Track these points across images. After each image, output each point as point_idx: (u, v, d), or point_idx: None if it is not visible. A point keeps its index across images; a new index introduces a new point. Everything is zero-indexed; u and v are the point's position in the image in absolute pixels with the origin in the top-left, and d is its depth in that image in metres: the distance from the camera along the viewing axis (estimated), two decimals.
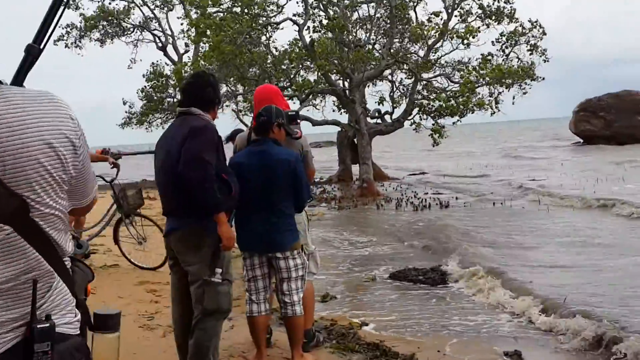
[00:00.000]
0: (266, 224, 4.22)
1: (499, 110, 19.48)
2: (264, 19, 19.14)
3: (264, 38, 20.59)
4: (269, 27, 19.88)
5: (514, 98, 19.99)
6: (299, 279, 4.32)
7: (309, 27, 19.02)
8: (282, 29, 21.14)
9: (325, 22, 18.95)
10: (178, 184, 3.62)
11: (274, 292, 4.57)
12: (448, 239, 10.09)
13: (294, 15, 19.85)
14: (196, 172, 3.53)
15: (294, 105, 20.88)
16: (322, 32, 19.31)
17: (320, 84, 19.28)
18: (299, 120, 4.85)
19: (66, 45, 27.49)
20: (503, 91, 19.25)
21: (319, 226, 11.83)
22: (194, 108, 3.77)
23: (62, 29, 27.33)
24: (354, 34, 20.18)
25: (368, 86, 21.99)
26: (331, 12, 19.10)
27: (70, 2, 27.20)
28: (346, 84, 20.33)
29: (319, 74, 18.67)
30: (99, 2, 27.35)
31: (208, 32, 17.66)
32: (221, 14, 18.62)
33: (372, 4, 20.49)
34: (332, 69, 18.28)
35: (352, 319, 5.74)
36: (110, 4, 27.71)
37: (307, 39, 18.50)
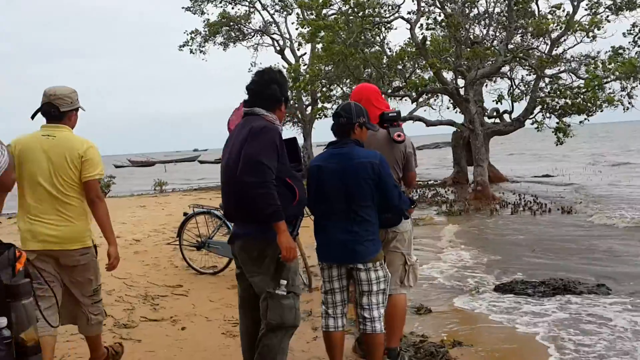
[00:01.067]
0: (346, 233, 3.93)
1: (632, 106, 17.89)
2: (377, 18, 18.78)
3: (378, 38, 20.27)
4: (382, 27, 19.49)
5: None
6: (380, 293, 4.00)
7: (421, 25, 18.47)
8: (395, 28, 20.72)
9: (439, 18, 18.31)
10: (237, 189, 3.40)
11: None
12: (561, 248, 9.30)
13: (408, 13, 19.35)
14: (253, 177, 3.27)
15: (405, 105, 20.42)
16: (436, 29, 18.66)
17: (434, 82, 18.66)
18: (400, 122, 4.54)
19: (191, 52, 28.56)
20: (636, 86, 17.61)
21: (417, 229, 11.21)
22: (257, 108, 3.54)
23: (187, 35, 28.51)
24: (471, 30, 19.31)
25: (486, 85, 21.01)
26: (448, 9, 18.39)
27: (196, 7, 28.43)
28: (460, 82, 19.51)
29: (433, 72, 18.07)
30: (222, 7, 28.33)
31: (321, 33, 17.59)
32: (333, 16, 18.52)
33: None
34: (444, 67, 17.57)
35: (445, 336, 5.28)
36: (232, 8, 28.67)
37: (419, 37, 17.95)
